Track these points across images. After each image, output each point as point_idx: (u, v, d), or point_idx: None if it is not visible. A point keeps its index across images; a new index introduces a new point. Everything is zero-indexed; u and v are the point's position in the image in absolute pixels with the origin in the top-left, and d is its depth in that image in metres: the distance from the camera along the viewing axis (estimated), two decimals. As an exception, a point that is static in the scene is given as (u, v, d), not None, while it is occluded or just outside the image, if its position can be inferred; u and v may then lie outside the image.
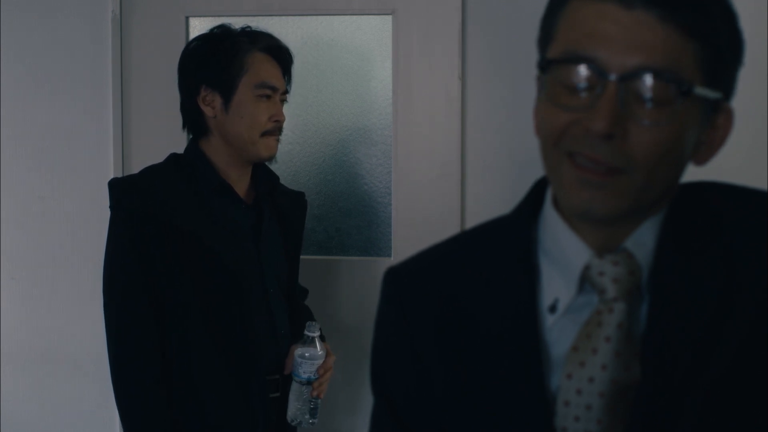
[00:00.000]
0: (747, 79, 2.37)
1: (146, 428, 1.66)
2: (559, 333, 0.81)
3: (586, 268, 0.80)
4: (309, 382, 1.72)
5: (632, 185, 0.75)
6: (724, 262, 0.77)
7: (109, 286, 1.70)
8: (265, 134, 1.74)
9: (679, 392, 0.75)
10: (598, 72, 0.74)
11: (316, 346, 1.71)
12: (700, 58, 0.75)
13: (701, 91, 0.75)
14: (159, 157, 1.82)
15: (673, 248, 0.79)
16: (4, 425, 2.40)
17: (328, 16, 2.26)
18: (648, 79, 0.73)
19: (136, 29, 2.30)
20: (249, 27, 1.79)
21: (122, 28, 2.29)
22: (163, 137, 2.29)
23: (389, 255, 2.27)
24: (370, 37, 2.27)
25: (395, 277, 0.94)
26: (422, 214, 2.22)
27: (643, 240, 0.80)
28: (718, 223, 0.80)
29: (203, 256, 1.67)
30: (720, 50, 0.76)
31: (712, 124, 0.79)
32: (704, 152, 0.81)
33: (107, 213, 2.31)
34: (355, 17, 2.26)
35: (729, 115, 0.80)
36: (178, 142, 2.26)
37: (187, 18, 2.29)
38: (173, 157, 1.80)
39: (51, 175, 2.35)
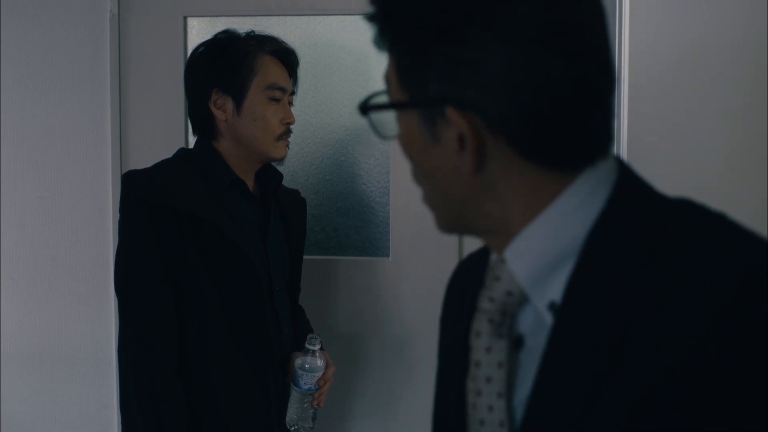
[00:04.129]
0: (747, 78, 2.37)
1: (165, 421, 1.64)
2: None
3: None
4: (309, 393, 1.75)
5: (424, 201, 0.79)
6: (635, 301, 0.65)
7: (128, 277, 1.67)
8: (279, 138, 1.76)
9: None
10: None
11: (316, 359, 1.75)
12: (395, 67, 0.75)
13: (381, 99, 0.76)
14: (157, 157, 1.82)
15: (588, 272, 0.69)
16: (4, 425, 2.40)
17: (326, 16, 2.26)
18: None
19: (134, 29, 2.30)
20: (253, 31, 1.80)
21: (120, 27, 2.30)
22: (161, 137, 2.29)
23: (387, 255, 2.27)
24: (368, 37, 2.26)
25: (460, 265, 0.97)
26: (420, 215, 2.21)
27: (518, 249, 0.73)
28: (652, 252, 0.67)
29: (221, 244, 1.67)
30: (406, 53, 0.73)
31: (448, 131, 0.72)
32: (467, 161, 0.72)
33: (106, 212, 2.33)
34: (353, 17, 2.26)
35: (454, 117, 0.70)
36: (176, 141, 2.26)
37: (185, 18, 2.29)
38: (184, 152, 1.81)
39: (50, 175, 2.35)
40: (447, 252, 2.23)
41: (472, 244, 2.21)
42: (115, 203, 2.28)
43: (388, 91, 0.76)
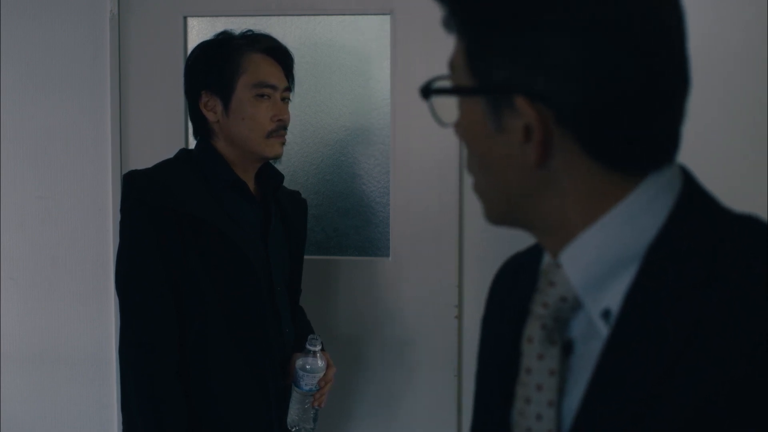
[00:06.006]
0: (747, 79, 2.36)
1: (166, 422, 1.63)
2: None
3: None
4: (310, 393, 1.75)
5: (475, 189, 0.77)
6: (703, 311, 0.64)
7: (128, 278, 1.67)
8: (270, 135, 1.74)
9: None
10: None
11: (317, 360, 1.75)
12: (465, 52, 0.72)
13: (441, 84, 0.73)
14: (157, 157, 1.82)
15: (651, 280, 0.68)
16: (4, 425, 2.40)
17: (326, 16, 2.26)
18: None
19: (134, 29, 2.30)
20: (250, 31, 1.79)
21: (120, 27, 2.29)
22: (161, 137, 2.29)
23: (387, 255, 2.27)
24: (368, 37, 2.27)
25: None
26: (420, 215, 2.23)
27: (576, 253, 0.71)
28: (716, 267, 0.66)
29: (221, 246, 1.67)
30: (477, 37, 0.71)
31: (515, 121, 0.70)
32: (532, 153, 0.70)
33: (106, 212, 2.33)
34: (353, 17, 2.26)
35: (524, 107, 0.68)
36: (176, 141, 2.26)
37: (185, 18, 2.29)
38: (185, 153, 1.81)
39: (50, 175, 2.35)
40: (447, 252, 2.22)
41: (473, 244, 2.21)
42: (115, 203, 2.28)
43: (453, 76, 0.74)
